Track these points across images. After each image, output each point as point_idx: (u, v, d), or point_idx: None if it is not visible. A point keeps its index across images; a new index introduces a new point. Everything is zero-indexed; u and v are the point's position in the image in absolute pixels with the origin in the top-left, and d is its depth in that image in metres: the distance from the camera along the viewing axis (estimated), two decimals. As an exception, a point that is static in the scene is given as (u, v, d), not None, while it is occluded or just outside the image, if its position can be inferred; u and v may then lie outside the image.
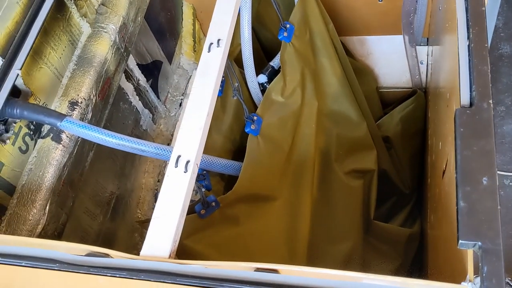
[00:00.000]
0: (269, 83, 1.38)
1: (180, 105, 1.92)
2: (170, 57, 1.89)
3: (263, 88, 1.43)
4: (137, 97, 1.67)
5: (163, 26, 1.80)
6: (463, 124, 0.77)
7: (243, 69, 1.41)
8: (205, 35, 2.03)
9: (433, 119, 1.40)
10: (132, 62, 1.62)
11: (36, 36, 1.13)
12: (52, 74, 1.23)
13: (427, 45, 1.86)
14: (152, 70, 1.76)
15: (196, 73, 1.00)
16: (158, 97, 1.81)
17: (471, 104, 0.79)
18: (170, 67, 1.91)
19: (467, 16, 0.88)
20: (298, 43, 1.38)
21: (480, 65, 0.81)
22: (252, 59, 1.35)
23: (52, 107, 1.23)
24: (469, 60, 0.83)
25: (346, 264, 1.42)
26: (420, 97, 1.77)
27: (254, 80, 1.40)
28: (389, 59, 1.94)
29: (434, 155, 1.29)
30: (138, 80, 1.67)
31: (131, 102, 1.64)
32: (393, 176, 1.71)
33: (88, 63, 1.30)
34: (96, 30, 1.36)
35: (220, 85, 1.38)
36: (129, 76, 1.60)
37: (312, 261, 1.33)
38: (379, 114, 1.84)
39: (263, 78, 1.44)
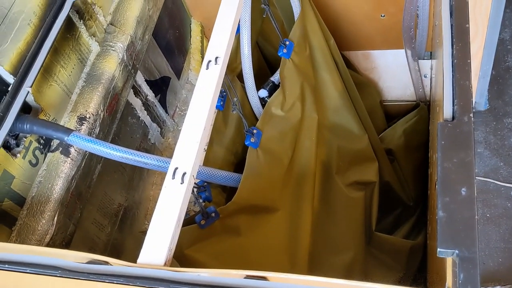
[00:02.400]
0: (270, 98, 1.42)
1: (189, 118, 1.97)
2: (178, 73, 1.95)
3: (264, 102, 1.48)
4: (145, 111, 1.72)
5: (171, 44, 1.87)
6: (444, 137, 0.80)
7: (246, 84, 1.45)
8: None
9: (431, 133, 1.42)
10: (140, 78, 1.68)
11: (46, 55, 1.19)
12: (62, 91, 1.30)
13: (430, 58, 1.89)
14: (160, 86, 1.82)
15: (195, 89, 1.04)
16: (166, 112, 1.87)
17: (453, 118, 0.82)
18: (179, 83, 1.97)
19: (452, 33, 0.92)
20: (298, 58, 1.43)
21: (462, 80, 0.84)
22: (252, 74, 1.40)
23: (62, 123, 1.29)
24: (453, 75, 0.86)
25: (347, 274, 1.44)
26: (423, 110, 1.79)
27: (254, 95, 1.44)
28: (393, 72, 1.97)
29: (431, 167, 1.31)
30: (147, 95, 1.73)
31: (139, 117, 1.69)
32: (397, 188, 1.73)
33: (96, 80, 1.36)
34: (105, 49, 1.42)
35: (222, 99, 1.44)
36: (137, 92, 1.66)
37: (313, 271, 1.35)
38: (383, 127, 1.87)
39: (263, 92, 1.48)
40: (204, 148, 1.40)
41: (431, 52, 1.88)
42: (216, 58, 1.07)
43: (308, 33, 1.49)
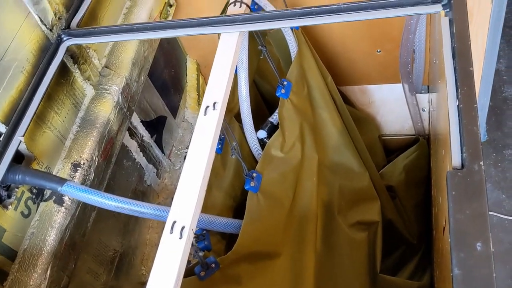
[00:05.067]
0: (269, 139, 1.39)
1: (185, 158, 1.94)
2: (174, 111, 1.93)
3: (263, 143, 1.45)
4: (141, 153, 1.69)
5: (167, 83, 1.85)
6: (454, 186, 0.77)
7: (243, 125, 1.43)
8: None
9: (434, 170, 1.39)
10: (136, 120, 1.65)
11: (40, 102, 1.16)
12: (56, 137, 1.26)
13: (428, 92, 1.88)
14: (156, 126, 1.79)
15: (192, 136, 1.01)
16: (162, 152, 1.84)
17: (462, 166, 0.79)
18: (175, 121, 1.94)
19: (455, 76, 0.90)
20: (296, 98, 1.41)
21: (470, 125, 0.82)
22: (251, 116, 1.37)
23: (55, 170, 1.25)
24: (459, 120, 0.84)
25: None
26: (423, 146, 1.77)
27: (253, 136, 1.42)
28: (391, 106, 1.96)
29: (436, 208, 1.27)
30: (142, 136, 1.70)
31: (135, 159, 1.66)
32: (399, 226, 1.69)
33: (91, 124, 1.33)
34: (99, 92, 1.39)
35: (220, 142, 1.41)
36: (132, 133, 1.63)
37: (317, 317, 1.30)
38: (383, 163, 1.84)
39: (262, 133, 1.46)
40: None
41: (428, 86, 1.87)
42: (214, 103, 1.04)
43: (306, 73, 1.47)
